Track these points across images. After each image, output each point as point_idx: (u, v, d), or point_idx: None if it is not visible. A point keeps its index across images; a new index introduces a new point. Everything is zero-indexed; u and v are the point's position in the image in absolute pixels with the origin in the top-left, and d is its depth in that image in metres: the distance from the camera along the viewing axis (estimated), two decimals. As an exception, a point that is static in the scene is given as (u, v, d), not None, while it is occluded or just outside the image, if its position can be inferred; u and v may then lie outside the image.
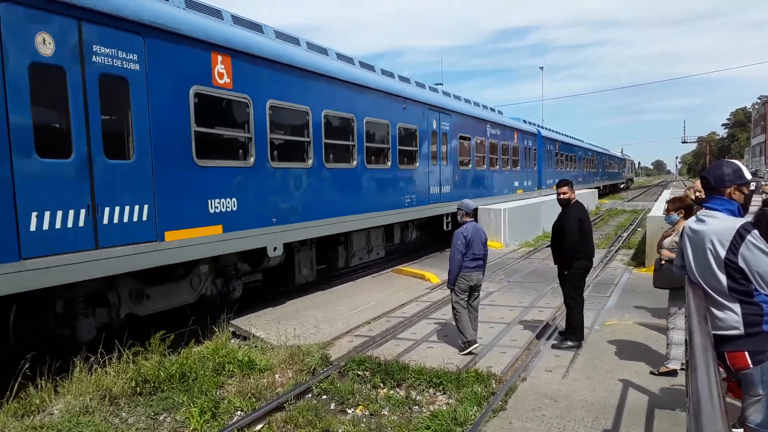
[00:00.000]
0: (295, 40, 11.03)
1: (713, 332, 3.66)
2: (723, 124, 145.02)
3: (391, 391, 6.87)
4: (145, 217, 7.33)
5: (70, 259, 6.39)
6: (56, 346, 6.97)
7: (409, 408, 6.42)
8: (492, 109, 23.81)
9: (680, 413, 5.63)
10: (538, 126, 31.89)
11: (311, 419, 6.02)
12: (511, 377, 6.95)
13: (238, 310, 9.63)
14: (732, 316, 3.65)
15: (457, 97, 19.71)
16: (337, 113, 11.64)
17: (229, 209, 8.72)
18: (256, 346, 8.29)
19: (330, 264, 12.65)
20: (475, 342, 8.03)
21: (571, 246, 7.97)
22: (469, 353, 7.88)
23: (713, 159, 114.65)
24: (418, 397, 6.66)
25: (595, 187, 45.37)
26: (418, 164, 15.14)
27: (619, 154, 80.00)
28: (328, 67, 11.49)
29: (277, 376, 7.27)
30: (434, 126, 16.16)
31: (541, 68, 62.02)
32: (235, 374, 7.24)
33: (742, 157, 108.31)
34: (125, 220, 7.09)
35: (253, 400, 6.57)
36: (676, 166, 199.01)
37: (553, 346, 8.07)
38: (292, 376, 7.24)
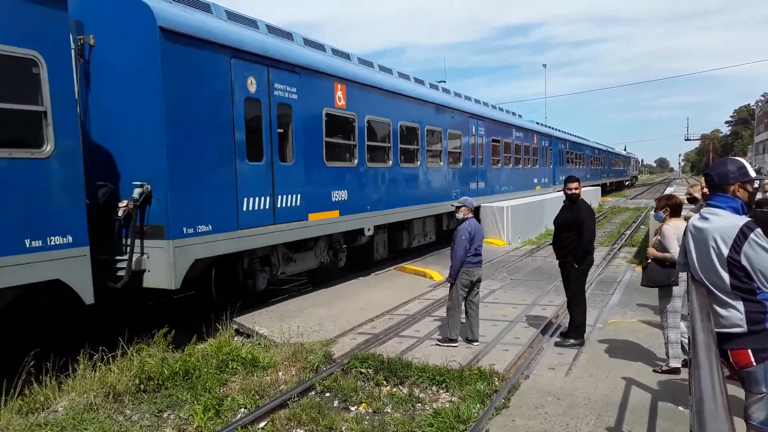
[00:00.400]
0: (369, 63, 14.11)
1: (716, 330, 3.67)
2: (726, 122, 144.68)
3: (394, 389, 6.88)
4: (298, 203, 10.50)
5: (261, 230, 9.51)
6: (243, 294, 9.91)
7: (412, 405, 6.43)
8: (514, 114, 26.93)
9: (683, 411, 5.64)
10: (551, 127, 34.47)
11: (314, 416, 6.03)
12: (514, 375, 6.96)
13: (241, 308, 9.65)
14: (735, 314, 3.65)
15: (486, 104, 22.47)
16: (408, 123, 14.78)
17: (342, 199, 11.89)
18: (259, 344, 8.30)
19: (395, 245, 15.38)
20: (457, 342, 8.25)
21: (589, 239, 8.11)
22: (448, 343, 8.22)
23: (716, 156, 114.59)
24: (421, 395, 6.67)
25: (602, 184, 48.98)
26: (461, 164, 18.40)
27: (624, 152, 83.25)
28: (402, 87, 14.82)
29: (280, 373, 7.29)
30: (473, 131, 19.34)
31: (544, 66, 62.15)
32: (238, 372, 7.26)
33: (745, 154, 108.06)
34: (289, 204, 10.24)
35: (257, 397, 6.58)
36: (680, 163, 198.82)
37: (556, 344, 8.08)
38: (295, 374, 7.26)
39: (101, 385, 6.50)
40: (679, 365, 6.59)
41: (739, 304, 3.64)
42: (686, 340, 6.34)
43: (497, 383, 6.71)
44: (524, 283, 12.81)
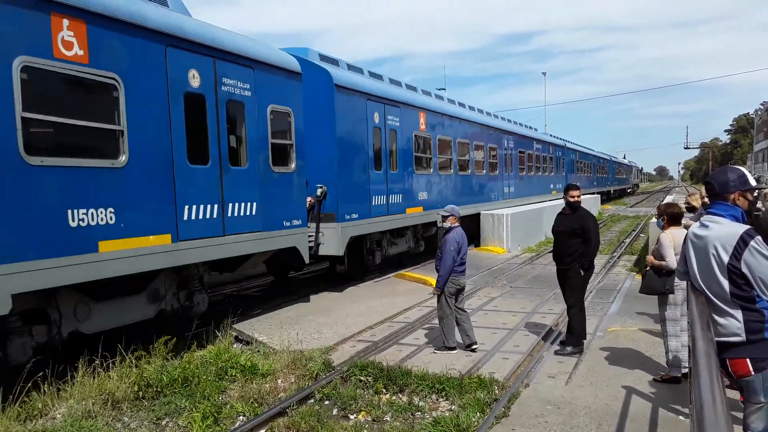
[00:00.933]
0: (440, 97, 19.01)
1: (715, 339, 3.66)
2: (726, 130, 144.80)
3: (394, 397, 6.86)
4: (400, 200, 14.63)
5: (381, 219, 13.78)
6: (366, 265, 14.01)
7: (412, 414, 6.41)
8: (533, 128, 32.70)
9: (683, 420, 5.63)
10: (564, 140, 38.69)
11: (313, 425, 6.01)
12: (514, 383, 6.94)
13: (241, 315, 9.64)
14: (734, 323, 3.64)
15: (514, 122, 27.91)
16: (463, 140, 19.01)
17: (424, 198, 15.88)
18: (258, 351, 8.29)
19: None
20: (455, 349, 8.31)
21: (595, 245, 8.20)
22: (446, 351, 8.30)
23: (716, 165, 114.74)
24: (420, 403, 6.65)
25: (607, 191, 55.02)
26: (497, 171, 22.71)
27: (626, 161, 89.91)
28: (458, 112, 19.23)
29: (279, 381, 7.27)
30: (505, 144, 23.53)
31: (544, 74, 62.26)
32: (237, 379, 7.24)
33: (744, 163, 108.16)
34: (396, 201, 14.51)
35: (256, 405, 6.56)
36: (679, 171, 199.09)
37: (556, 352, 8.06)
38: (294, 381, 7.24)
39: (100, 392, 6.47)
40: (680, 374, 6.57)
41: (738, 313, 3.63)
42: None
43: (497, 392, 6.69)
44: (524, 290, 12.80)
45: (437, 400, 6.77)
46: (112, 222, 6.87)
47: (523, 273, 15.24)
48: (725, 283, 3.64)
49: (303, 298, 11.64)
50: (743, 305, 3.61)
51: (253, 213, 9.34)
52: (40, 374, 6.40)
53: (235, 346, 8.64)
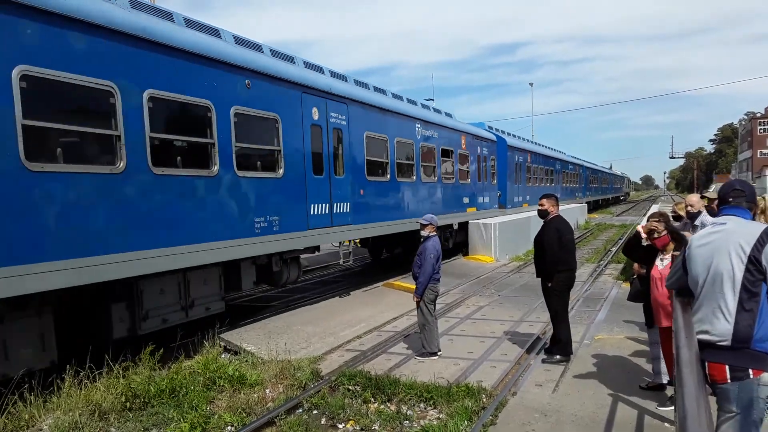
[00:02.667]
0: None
1: (700, 337, 3.68)
2: (710, 140, 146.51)
3: (382, 406, 6.87)
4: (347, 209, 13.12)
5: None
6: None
7: (400, 423, 6.42)
8: (561, 152, 42.32)
9: (669, 427, 5.68)
10: (584, 160, 51.73)
11: (302, 434, 6.01)
12: (502, 392, 6.97)
13: (229, 324, 9.61)
14: (725, 324, 3.62)
15: (548, 147, 37.07)
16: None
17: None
18: (246, 361, 8.27)
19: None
20: (437, 354, 8.55)
21: (551, 258, 8.07)
22: (429, 356, 8.47)
23: (701, 174, 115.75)
24: (408, 412, 6.66)
25: (606, 198, 69.34)
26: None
27: (619, 173, 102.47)
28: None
29: (267, 390, 7.26)
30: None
31: (531, 84, 62.76)
32: (225, 389, 7.23)
33: (729, 172, 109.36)
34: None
35: (244, 415, 6.55)
36: (665, 181, 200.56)
37: (543, 361, 8.11)
38: (282, 391, 7.23)
39: (87, 403, 6.43)
40: (665, 381, 6.63)
41: (733, 315, 3.61)
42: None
43: (485, 400, 6.72)
44: (512, 299, 12.85)
45: (425, 408, 6.78)
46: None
47: (510, 282, 15.31)
48: (740, 273, 3.61)
49: (291, 308, 11.63)
50: (742, 302, 3.59)
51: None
52: (26, 386, 6.36)
53: (223, 356, 8.61)
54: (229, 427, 6.29)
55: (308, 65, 12.07)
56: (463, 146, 19.81)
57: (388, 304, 12.34)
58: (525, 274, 16.36)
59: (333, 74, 12.98)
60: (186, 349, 8.44)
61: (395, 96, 16.09)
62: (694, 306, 3.84)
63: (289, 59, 11.36)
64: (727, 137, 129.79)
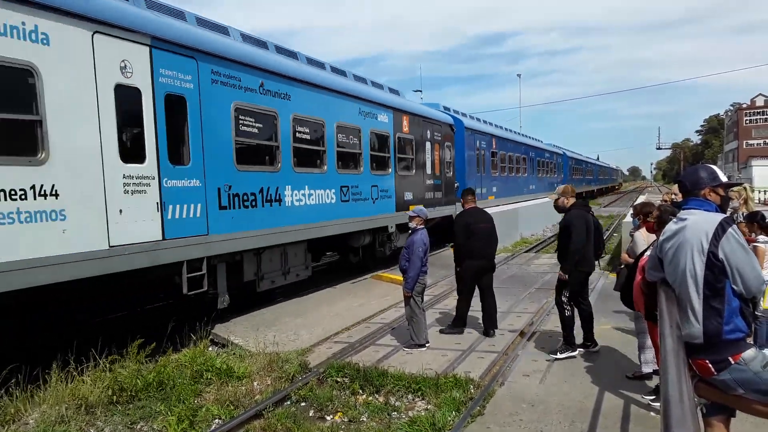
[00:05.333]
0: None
1: (683, 336, 3.71)
2: (697, 131, 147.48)
3: (370, 398, 6.88)
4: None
5: None
6: None
7: (388, 414, 6.44)
8: (535, 138, 40.27)
9: (655, 416, 5.73)
10: (595, 158, 61.51)
11: (290, 426, 6.01)
12: (489, 382, 7.00)
13: (217, 318, 9.57)
14: (695, 326, 3.64)
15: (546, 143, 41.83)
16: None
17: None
18: (234, 354, 8.25)
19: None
20: (425, 346, 8.56)
21: (456, 245, 9.30)
22: (417, 348, 8.51)
23: (687, 165, 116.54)
24: (397, 403, 6.68)
25: (606, 188, 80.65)
26: (533, 174, 32.66)
27: (613, 166, 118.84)
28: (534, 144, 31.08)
29: (255, 383, 7.25)
30: (558, 160, 35.70)
31: (519, 75, 63.00)
32: (213, 382, 7.21)
33: (715, 162, 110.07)
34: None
35: (232, 407, 6.54)
36: (651, 172, 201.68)
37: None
38: (270, 384, 7.23)
39: (73, 396, 6.40)
40: (651, 371, 6.69)
41: (699, 316, 3.64)
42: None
43: (473, 391, 6.75)
44: (499, 290, 12.79)
45: (413, 399, 6.80)
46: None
47: (498, 273, 15.30)
48: (701, 271, 3.63)
49: (280, 301, 11.61)
50: (707, 301, 3.63)
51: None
52: (13, 380, 6.31)
53: (210, 349, 8.58)
54: (216, 420, 6.29)
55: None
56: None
57: (376, 296, 12.35)
58: (513, 266, 16.41)
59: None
60: (173, 343, 8.41)
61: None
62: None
63: None
64: (714, 128, 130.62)
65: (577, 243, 7.68)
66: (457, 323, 9.32)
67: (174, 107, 8.23)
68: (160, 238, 7.88)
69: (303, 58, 12.40)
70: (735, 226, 3.67)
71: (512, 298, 11.87)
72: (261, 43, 11.21)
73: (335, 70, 13.71)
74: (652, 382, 6.50)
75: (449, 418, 5.98)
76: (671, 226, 3.95)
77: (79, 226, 6.76)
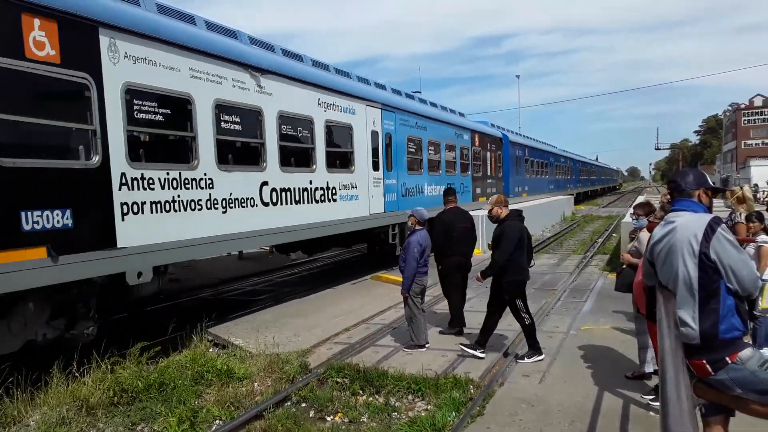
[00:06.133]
0: (544, 141, 23.72)
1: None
2: (695, 131, 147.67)
3: (371, 398, 6.90)
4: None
5: None
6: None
7: (388, 415, 6.45)
8: (550, 145, 45.12)
9: (654, 416, 5.74)
10: (602, 161, 70.60)
11: (290, 427, 6.02)
12: (489, 383, 7.01)
13: (217, 318, 9.60)
14: (691, 329, 3.64)
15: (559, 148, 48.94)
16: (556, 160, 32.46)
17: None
18: (234, 355, 8.26)
19: None
20: (425, 346, 8.56)
21: (435, 244, 9.26)
22: (417, 348, 8.51)
23: (686, 165, 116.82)
24: (397, 404, 6.70)
25: (607, 187, 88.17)
26: (560, 176, 42.22)
27: (614, 167, 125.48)
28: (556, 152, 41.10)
29: (255, 384, 7.26)
30: (572, 165, 44.40)
31: (518, 77, 63.25)
32: (213, 383, 7.22)
33: (713, 163, 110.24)
34: None
35: (232, 408, 6.55)
36: (650, 172, 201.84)
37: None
38: (271, 384, 7.24)
39: (74, 398, 6.42)
40: (650, 370, 6.70)
41: (696, 319, 3.64)
42: None
43: (472, 391, 6.76)
44: (499, 291, 12.87)
45: (413, 400, 6.82)
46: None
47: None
48: (694, 273, 3.63)
49: (280, 302, 11.62)
50: (703, 303, 3.63)
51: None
52: (11, 380, 6.32)
53: (211, 350, 8.59)
54: (217, 421, 6.30)
55: None
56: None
57: (376, 296, 12.37)
58: (512, 266, 16.41)
59: None
60: (174, 344, 8.43)
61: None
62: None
63: None
64: (712, 128, 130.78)
65: (505, 253, 7.74)
66: (453, 323, 9.38)
67: (388, 140, 14.94)
68: (383, 211, 14.51)
69: (428, 102, 19.30)
70: (724, 225, 3.68)
71: (512, 299, 11.87)
72: (422, 100, 18.89)
73: (442, 106, 20.73)
74: (652, 382, 6.52)
75: (449, 419, 6.00)
76: (660, 230, 3.95)
77: (361, 203, 13.50)
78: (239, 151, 9.79)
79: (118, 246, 7.31)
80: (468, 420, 5.93)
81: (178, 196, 8.30)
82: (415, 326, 8.50)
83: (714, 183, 4.16)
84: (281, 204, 10.62)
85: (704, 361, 3.62)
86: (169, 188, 8.14)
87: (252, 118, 10.01)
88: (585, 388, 6.67)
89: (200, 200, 8.71)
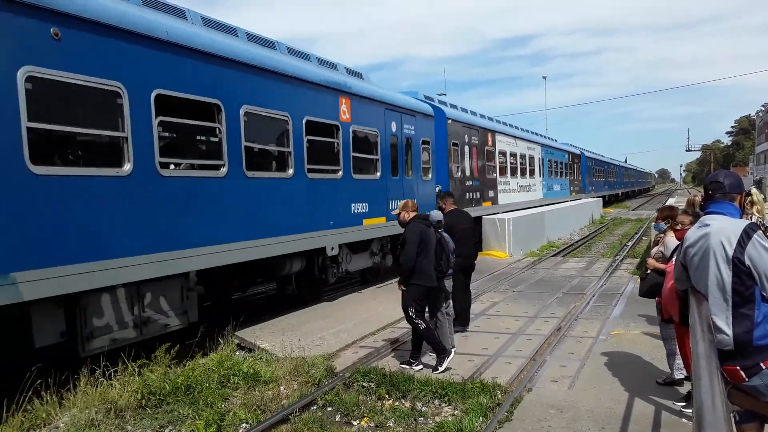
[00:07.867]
0: (554, 137, 28.03)
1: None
2: (727, 132, 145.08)
3: (396, 403, 6.85)
4: None
5: None
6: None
7: (415, 419, 6.40)
8: (605, 157, 56.27)
9: (686, 423, 5.62)
10: (635, 165, 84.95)
11: (316, 431, 6.01)
12: (517, 388, 6.93)
13: (243, 322, 9.64)
14: (725, 334, 3.60)
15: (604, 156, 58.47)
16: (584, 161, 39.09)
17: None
18: (261, 358, 8.29)
19: None
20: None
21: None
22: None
23: (717, 167, 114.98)
24: (423, 409, 6.64)
25: (640, 189, 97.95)
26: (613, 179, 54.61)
27: (646, 170, 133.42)
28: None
29: (282, 387, 7.27)
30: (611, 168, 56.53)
31: (544, 78, 62.63)
32: (240, 386, 7.24)
33: (746, 164, 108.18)
34: None
35: (258, 412, 6.56)
36: (681, 174, 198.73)
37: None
38: (297, 388, 7.24)
39: (102, 401, 6.48)
40: (682, 376, 6.56)
41: (729, 321, 3.59)
42: None
43: (500, 396, 6.68)
44: (526, 295, 12.78)
45: (440, 405, 6.76)
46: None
47: (525, 277, 15.22)
48: (728, 278, 3.58)
49: (305, 305, 11.64)
50: (736, 308, 3.56)
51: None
52: (39, 381, 6.41)
53: (237, 353, 8.64)
54: (243, 425, 6.31)
55: None
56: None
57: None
58: (539, 270, 16.27)
59: None
60: (201, 347, 8.48)
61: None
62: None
63: None
64: (745, 129, 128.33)
65: (406, 256, 7.76)
66: (457, 321, 9.41)
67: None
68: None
69: (477, 113, 21.68)
70: (760, 232, 3.60)
71: (540, 303, 11.76)
72: (466, 110, 21.04)
73: (511, 124, 25.25)
74: (684, 389, 6.39)
75: (476, 424, 5.93)
76: (694, 232, 3.88)
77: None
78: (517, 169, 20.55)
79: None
80: (495, 426, 5.86)
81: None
82: (440, 331, 8.35)
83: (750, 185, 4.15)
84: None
85: (737, 367, 3.55)
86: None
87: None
88: (615, 394, 6.56)
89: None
